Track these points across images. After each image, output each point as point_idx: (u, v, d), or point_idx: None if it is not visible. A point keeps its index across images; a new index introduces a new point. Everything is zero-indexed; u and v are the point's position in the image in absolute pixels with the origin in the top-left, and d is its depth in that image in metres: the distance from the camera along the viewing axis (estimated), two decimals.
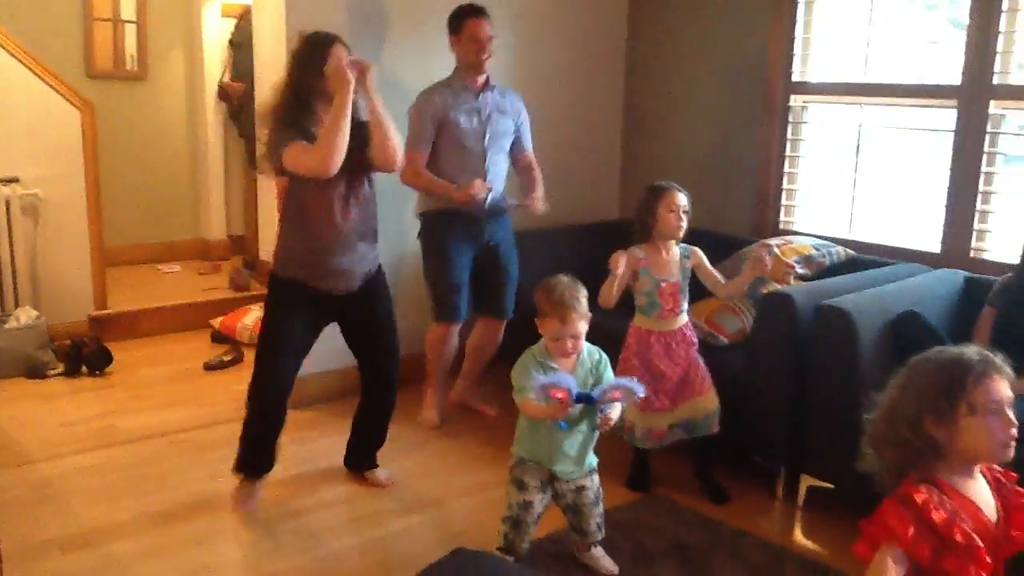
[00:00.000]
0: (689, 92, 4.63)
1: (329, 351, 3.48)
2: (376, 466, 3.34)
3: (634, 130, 4.94)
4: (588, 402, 2.47)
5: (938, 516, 1.55)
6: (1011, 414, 1.60)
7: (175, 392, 4.22)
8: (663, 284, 3.15)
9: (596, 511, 2.67)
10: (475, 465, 3.49)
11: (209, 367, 4.55)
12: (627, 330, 3.23)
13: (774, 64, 4.24)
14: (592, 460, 2.68)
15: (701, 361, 3.20)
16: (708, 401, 3.15)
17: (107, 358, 4.45)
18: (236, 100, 5.94)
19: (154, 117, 6.21)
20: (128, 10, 6.06)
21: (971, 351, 1.64)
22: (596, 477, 2.68)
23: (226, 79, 6.02)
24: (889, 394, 1.66)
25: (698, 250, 3.27)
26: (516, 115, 3.82)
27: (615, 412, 2.52)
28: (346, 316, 3.14)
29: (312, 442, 3.64)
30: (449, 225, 3.68)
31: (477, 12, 3.63)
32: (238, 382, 4.30)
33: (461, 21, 3.63)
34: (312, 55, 2.91)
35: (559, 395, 2.39)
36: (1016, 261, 3.16)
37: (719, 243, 4.03)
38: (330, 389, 4.00)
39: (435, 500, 3.21)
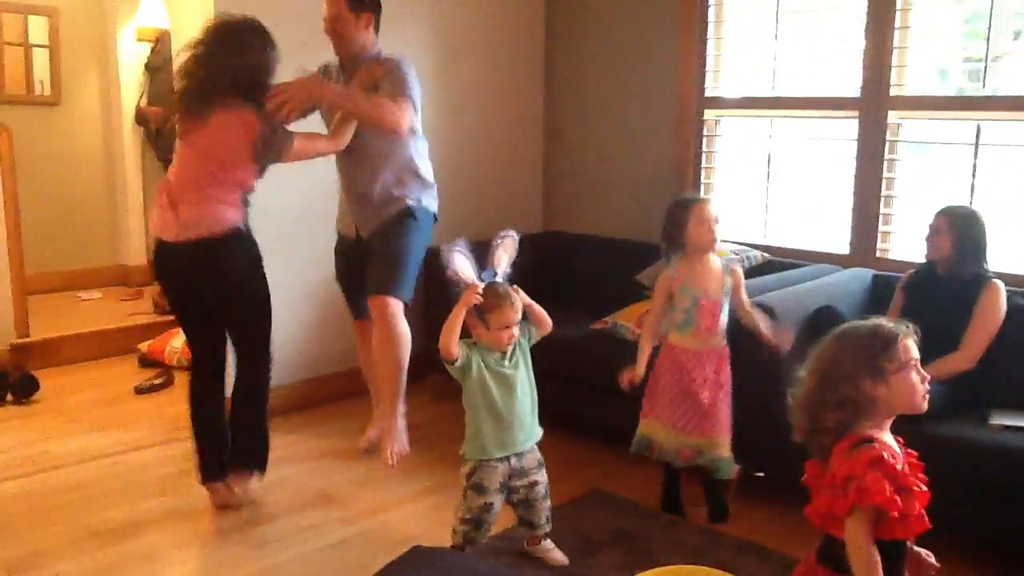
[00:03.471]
0: (607, 107, 4.82)
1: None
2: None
3: (555, 144, 5.11)
4: (490, 276, 2.65)
5: (898, 466, 1.72)
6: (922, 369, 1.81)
7: (107, 416, 4.17)
8: (703, 301, 3.05)
9: (545, 504, 2.79)
10: (415, 472, 3.55)
11: (140, 391, 4.51)
12: (659, 348, 3.13)
13: (686, 80, 4.46)
14: (538, 431, 2.78)
15: (729, 402, 3.09)
16: (723, 448, 3.06)
17: (33, 386, 4.38)
18: (154, 124, 5.90)
19: (69, 142, 6.12)
20: (39, 34, 5.98)
21: (884, 321, 1.84)
22: (545, 472, 2.79)
23: (143, 103, 5.99)
24: (817, 367, 1.83)
25: (739, 270, 3.17)
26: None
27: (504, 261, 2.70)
28: None
29: None
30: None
31: None
32: (170, 404, 4.31)
33: None
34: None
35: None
36: (917, 259, 3.40)
37: (640, 251, 4.22)
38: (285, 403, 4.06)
39: (380, 507, 3.27)
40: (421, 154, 3.57)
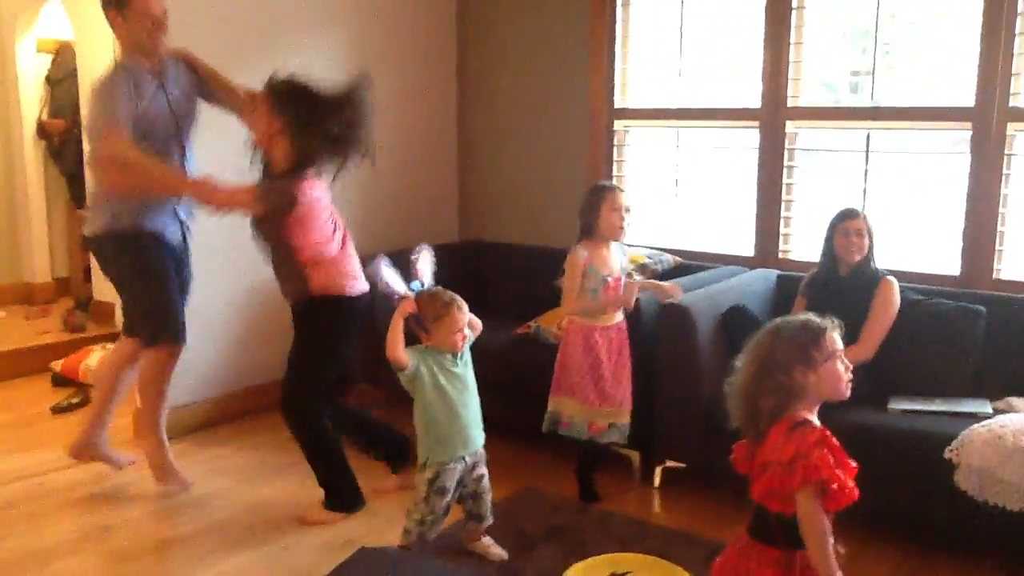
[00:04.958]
0: (520, 119, 4.97)
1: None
2: None
3: (469, 155, 5.23)
4: (418, 286, 2.80)
5: (837, 443, 1.91)
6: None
7: (25, 437, 4.10)
8: (609, 280, 3.32)
9: (489, 496, 2.94)
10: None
11: (58, 410, 4.44)
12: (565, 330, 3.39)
13: (596, 92, 4.65)
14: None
15: (629, 374, 3.35)
16: (627, 416, 3.34)
17: None
18: (56, 138, 5.78)
19: None
20: None
21: (812, 316, 2.03)
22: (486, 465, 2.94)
23: (44, 116, 5.86)
24: (754, 357, 2.01)
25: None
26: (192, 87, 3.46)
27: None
28: None
29: (190, 468, 3.66)
30: None
31: None
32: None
33: None
34: None
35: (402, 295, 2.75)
36: (815, 259, 3.65)
37: (556, 258, 4.34)
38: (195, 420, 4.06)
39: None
40: None
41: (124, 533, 3.17)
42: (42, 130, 5.86)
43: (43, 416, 4.40)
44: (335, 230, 3.20)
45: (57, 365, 4.89)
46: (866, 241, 3.39)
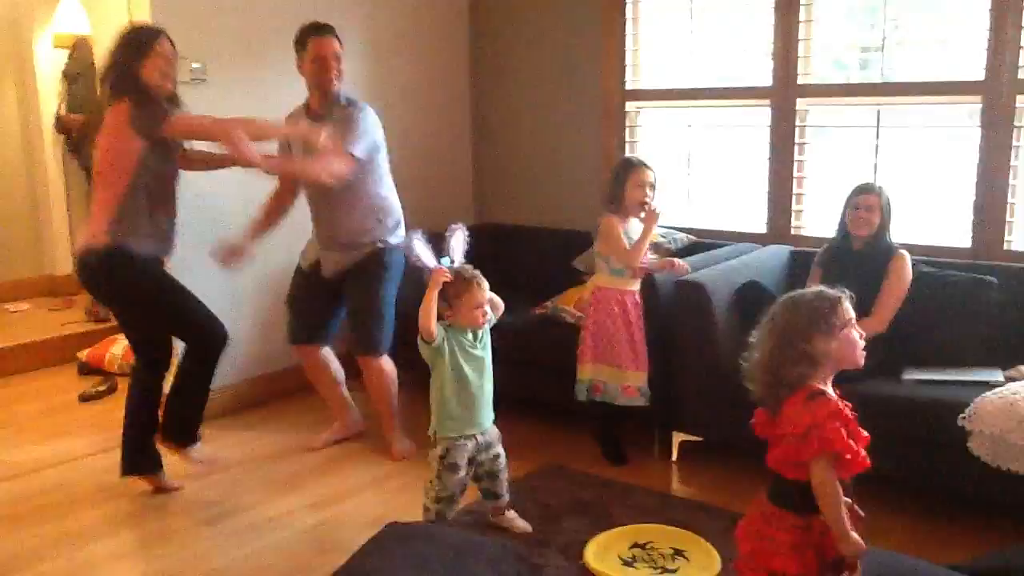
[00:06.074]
0: (533, 103, 5.03)
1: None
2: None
3: (483, 139, 5.30)
4: (448, 263, 2.85)
5: (849, 414, 1.98)
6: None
7: (56, 424, 4.20)
8: (638, 243, 3.47)
9: (505, 475, 3.00)
10: (373, 459, 3.72)
11: (85, 398, 4.54)
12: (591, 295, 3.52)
13: (608, 74, 4.70)
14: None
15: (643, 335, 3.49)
16: (645, 379, 3.47)
17: None
18: (75, 132, 5.86)
19: None
20: None
21: (823, 288, 2.11)
22: (501, 444, 3.01)
23: (63, 111, 5.94)
24: (772, 329, 2.07)
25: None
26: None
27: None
28: None
29: (220, 452, 3.75)
30: None
31: (320, 30, 3.53)
32: (116, 410, 4.30)
33: (304, 39, 3.53)
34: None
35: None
36: (827, 235, 3.70)
37: (570, 239, 4.46)
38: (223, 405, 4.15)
39: (345, 493, 3.41)
40: (390, 187, 3.73)
41: (155, 516, 3.26)
42: (61, 125, 5.94)
43: (72, 404, 4.50)
44: None
45: (83, 355, 5.00)
46: (876, 217, 3.43)
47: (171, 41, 3.21)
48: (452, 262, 2.87)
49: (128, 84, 3.13)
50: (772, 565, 2.04)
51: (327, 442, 3.86)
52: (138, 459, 3.37)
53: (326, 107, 3.56)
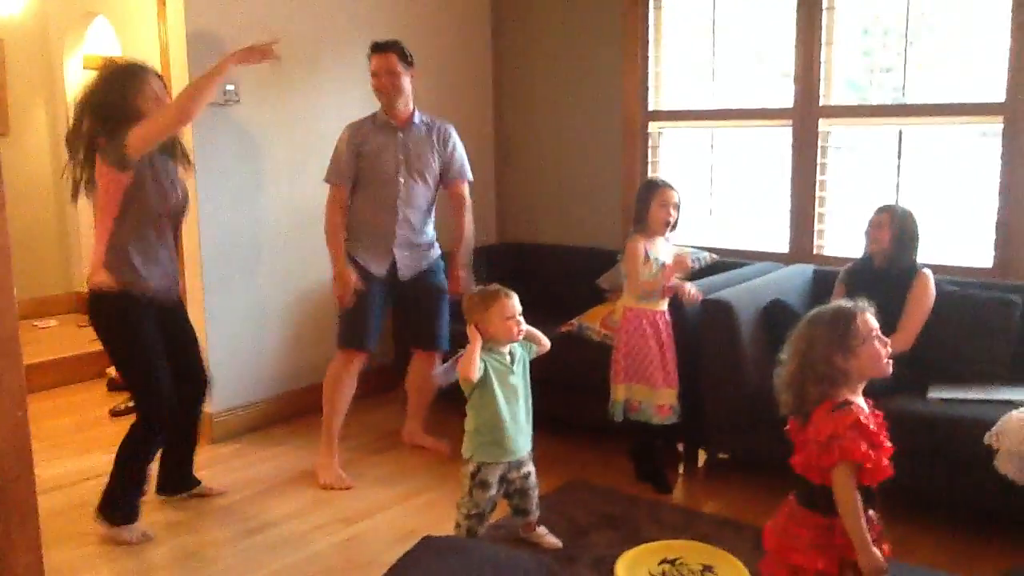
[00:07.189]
0: (555, 124, 5.10)
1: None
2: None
3: (506, 159, 5.37)
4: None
5: (871, 426, 2.04)
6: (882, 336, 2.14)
7: (89, 439, 4.27)
8: (666, 264, 3.51)
9: (535, 492, 3.05)
10: (400, 475, 3.77)
11: (116, 413, 4.61)
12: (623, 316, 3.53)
13: (629, 96, 4.76)
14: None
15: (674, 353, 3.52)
16: (675, 396, 3.49)
17: None
18: None
19: (18, 173, 6.09)
20: None
21: (842, 302, 2.19)
22: (532, 463, 3.04)
23: None
24: (796, 349, 2.14)
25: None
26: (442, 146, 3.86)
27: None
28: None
29: (249, 468, 3.83)
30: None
31: (378, 48, 3.71)
32: None
33: (369, 56, 3.73)
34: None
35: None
36: (850, 254, 3.75)
37: (594, 257, 4.51)
38: (250, 421, 4.21)
39: (376, 507, 3.46)
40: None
41: (188, 530, 3.32)
42: None
43: (102, 420, 4.58)
44: None
45: (112, 371, 5.06)
46: (885, 234, 3.48)
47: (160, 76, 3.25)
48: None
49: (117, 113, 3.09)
50: (794, 560, 2.12)
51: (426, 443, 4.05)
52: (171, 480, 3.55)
53: (394, 116, 3.74)
